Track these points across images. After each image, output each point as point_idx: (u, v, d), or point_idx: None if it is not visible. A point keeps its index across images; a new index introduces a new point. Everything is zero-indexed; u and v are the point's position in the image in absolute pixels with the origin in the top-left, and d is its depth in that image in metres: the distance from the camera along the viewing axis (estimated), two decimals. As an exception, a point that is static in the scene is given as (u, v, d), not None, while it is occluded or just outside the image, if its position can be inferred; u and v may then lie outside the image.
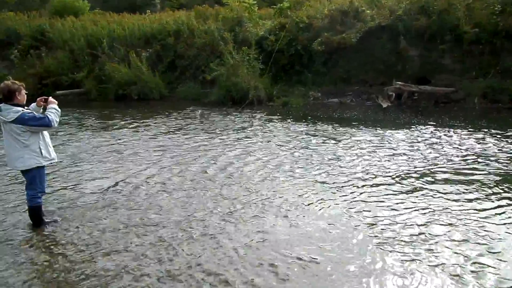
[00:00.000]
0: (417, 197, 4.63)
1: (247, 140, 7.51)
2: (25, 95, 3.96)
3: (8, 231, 4.04)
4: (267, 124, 8.95)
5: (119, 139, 7.95)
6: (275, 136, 7.83)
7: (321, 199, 4.64)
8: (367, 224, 3.99)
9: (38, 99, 4.11)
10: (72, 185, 5.35)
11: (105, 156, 6.72)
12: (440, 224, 3.94)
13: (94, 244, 3.75)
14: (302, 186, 5.04)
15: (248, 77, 11.82)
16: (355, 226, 3.97)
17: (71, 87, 14.05)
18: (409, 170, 5.54)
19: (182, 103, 12.25)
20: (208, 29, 13.72)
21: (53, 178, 5.60)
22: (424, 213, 4.19)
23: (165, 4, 31.60)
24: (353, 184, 5.10)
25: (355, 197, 4.67)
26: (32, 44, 14.91)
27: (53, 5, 22.01)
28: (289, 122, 9.10)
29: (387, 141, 7.14)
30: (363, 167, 5.72)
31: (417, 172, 5.47)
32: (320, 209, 4.37)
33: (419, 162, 5.90)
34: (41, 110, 4.12)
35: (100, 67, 13.76)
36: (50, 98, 4.11)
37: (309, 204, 4.50)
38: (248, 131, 8.31)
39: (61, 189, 5.21)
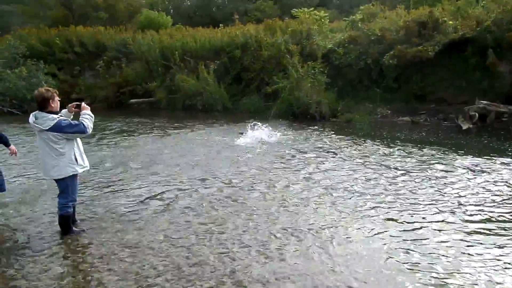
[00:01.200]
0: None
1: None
2: (59, 102, 3.99)
3: (38, 238, 4.15)
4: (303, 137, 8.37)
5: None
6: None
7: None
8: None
9: (69, 105, 4.08)
10: (112, 193, 5.42)
11: (150, 165, 6.79)
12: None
13: (110, 260, 3.64)
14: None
15: (311, 91, 11.34)
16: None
17: (145, 96, 14.93)
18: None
19: (243, 116, 12.17)
20: (275, 41, 13.58)
21: (93, 185, 5.75)
22: None
23: (243, 19, 32.67)
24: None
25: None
26: (115, 55, 16.22)
27: (140, 20, 24.00)
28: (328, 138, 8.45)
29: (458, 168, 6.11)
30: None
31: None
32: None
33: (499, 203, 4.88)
34: (72, 116, 4.14)
35: (171, 78, 14.40)
36: (83, 104, 4.10)
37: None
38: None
39: (99, 196, 5.31)
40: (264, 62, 13.52)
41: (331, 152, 7.44)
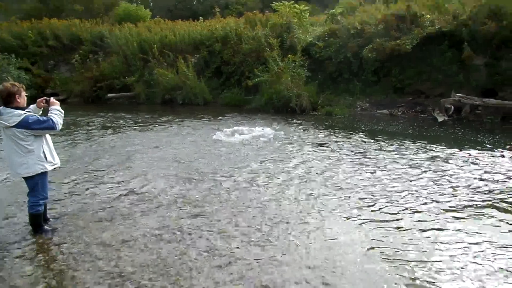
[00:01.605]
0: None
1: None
2: (25, 97, 3.82)
3: (8, 237, 3.98)
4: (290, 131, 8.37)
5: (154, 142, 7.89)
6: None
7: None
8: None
9: (38, 100, 3.92)
10: (87, 191, 5.26)
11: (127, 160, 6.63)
12: None
13: (84, 259, 3.53)
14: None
15: (291, 85, 11.32)
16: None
17: (122, 90, 14.60)
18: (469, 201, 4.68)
19: (224, 109, 12.08)
20: (255, 35, 13.48)
21: (68, 181, 5.58)
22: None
23: (225, 13, 32.32)
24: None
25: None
26: (91, 49, 15.78)
27: (118, 13, 23.38)
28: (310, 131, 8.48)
29: (438, 160, 6.22)
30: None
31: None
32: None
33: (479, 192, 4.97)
34: (40, 111, 3.97)
35: (149, 72, 14.12)
36: (52, 99, 3.92)
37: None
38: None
39: (70, 194, 5.15)
40: (244, 56, 13.41)
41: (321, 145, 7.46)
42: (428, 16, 11.10)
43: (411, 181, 5.34)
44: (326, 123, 9.68)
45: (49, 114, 3.81)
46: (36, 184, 3.83)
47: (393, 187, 5.13)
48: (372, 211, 4.41)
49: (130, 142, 8.07)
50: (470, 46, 9.92)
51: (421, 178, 5.44)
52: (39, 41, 16.07)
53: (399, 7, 11.99)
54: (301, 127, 9.23)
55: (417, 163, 6.09)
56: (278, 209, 4.48)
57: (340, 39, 12.29)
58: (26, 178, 3.83)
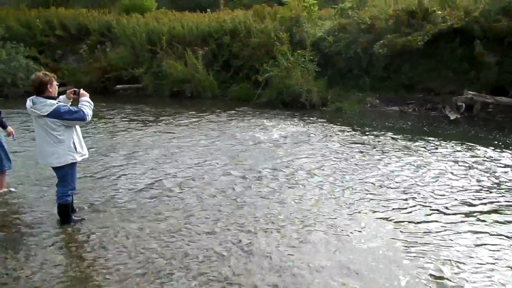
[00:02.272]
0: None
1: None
2: (57, 87, 3.87)
3: (35, 226, 4.04)
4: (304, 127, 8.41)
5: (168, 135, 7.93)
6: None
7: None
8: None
9: (67, 91, 3.95)
10: (108, 183, 5.32)
11: (147, 154, 6.68)
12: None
13: (114, 248, 3.60)
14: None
15: (301, 80, 11.33)
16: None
17: (130, 81, 14.58)
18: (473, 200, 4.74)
19: (234, 103, 12.07)
20: (264, 28, 13.44)
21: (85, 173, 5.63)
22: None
23: (229, 5, 32.12)
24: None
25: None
26: (99, 39, 15.72)
27: (123, 3, 23.24)
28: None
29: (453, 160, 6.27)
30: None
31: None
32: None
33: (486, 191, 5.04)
34: (70, 102, 4.01)
35: (158, 64, 14.09)
36: (82, 91, 3.96)
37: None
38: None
39: (96, 184, 5.21)
40: (253, 49, 13.38)
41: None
42: (439, 12, 11.06)
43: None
44: (344, 119, 9.66)
45: (79, 105, 3.85)
46: (66, 174, 3.89)
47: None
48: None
49: (167, 136, 8.00)
50: (482, 43, 9.92)
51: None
52: (47, 30, 15.99)
53: (410, 1, 11.95)
54: (322, 122, 9.23)
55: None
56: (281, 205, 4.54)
57: (350, 34, 12.26)
58: (56, 168, 3.88)
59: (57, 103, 3.71)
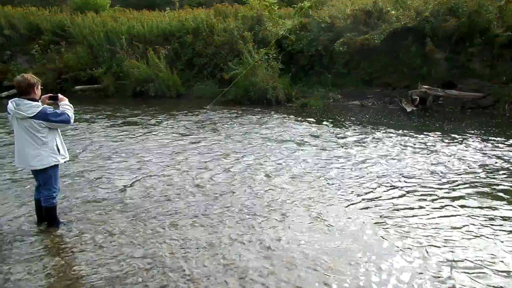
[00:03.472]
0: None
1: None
2: (40, 91, 3.79)
3: (22, 231, 3.91)
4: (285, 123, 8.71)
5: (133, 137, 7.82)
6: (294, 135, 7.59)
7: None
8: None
9: (43, 96, 3.84)
10: (86, 184, 5.21)
11: (121, 155, 6.58)
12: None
13: (109, 247, 3.58)
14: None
15: (267, 77, 11.58)
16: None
17: (89, 82, 14.06)
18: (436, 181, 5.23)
19: (199, 102, 12.08)
20: (227, 27, 13.54)
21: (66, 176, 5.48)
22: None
23: (183, 2, 31.69)
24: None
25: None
26: (52, 39, 14.98)
27: (75, 1, 22.22)
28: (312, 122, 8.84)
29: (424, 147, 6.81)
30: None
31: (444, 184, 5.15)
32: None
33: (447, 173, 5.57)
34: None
35: (118, 64, 13.71)
36: (60, 95, 3.91)
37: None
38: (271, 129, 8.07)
39: (76, 185, 5.08)
40: (217, 48, 13.45)
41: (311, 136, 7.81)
42: (393, 12, 11.80)
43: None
44: (305, 113, 10.06)
45: (61, 109, 3.78)
46: (50, 177, 3.80)
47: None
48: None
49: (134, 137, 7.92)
50: (432, 41, 10.72)
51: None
52: (-8, 30, 14.97)
53: (366, 2, 12.62)
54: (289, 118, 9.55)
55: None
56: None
57: (311, 32, 12.71)
58: (38, 172, 3.77)
59: (42, 105, 3.64)
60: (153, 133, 8.18)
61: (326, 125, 8.72)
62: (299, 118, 9.42)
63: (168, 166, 5.90)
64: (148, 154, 6.54)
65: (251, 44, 12.33)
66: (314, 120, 9.23)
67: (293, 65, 12.62)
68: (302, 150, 6.71)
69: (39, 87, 3.72)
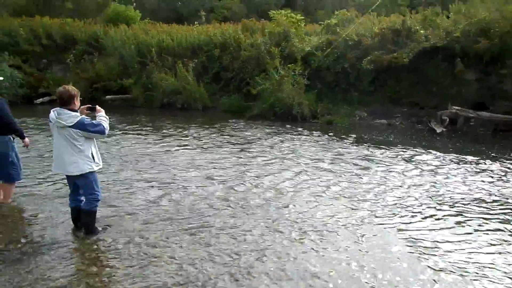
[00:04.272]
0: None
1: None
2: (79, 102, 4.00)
3: (59, 237, 4.05)
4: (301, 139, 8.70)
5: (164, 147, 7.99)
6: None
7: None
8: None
9: (82, 107, 4.03)
10: (117, 193, 5.35)
11: (147, 165, 6.73)
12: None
13: (142, 257, 3.67)
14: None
15: (292, 93, 11.66)
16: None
17: (119, 92, 14.50)
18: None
19: (224, 115, 12.25)
20: (254, 42, 13.77)
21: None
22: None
23: (210, 17, 32.47)
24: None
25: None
26: (86, 49, 15.58)
27: (107, 13, 23.10)
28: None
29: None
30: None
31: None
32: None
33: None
34: None
35: (147, 75, 14.11)
36: (98, 107, 4.09)
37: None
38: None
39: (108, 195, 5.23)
40: (243, 62, 13.66)
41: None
42: (422, 31, 11.74)
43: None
44: (330, 129, 10.03)
45: (97, 120, 3.95)
46: (91, 182, 3.97)
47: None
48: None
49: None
50: (462, 62, 10.59)
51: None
52: (31, 39, 15.70)
53: (394, 21, 12.61)
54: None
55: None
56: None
57: (337, 49, 12.76)
58: (77, 178, 3.94)
59: (80, 116, 3.85)
60: (185, 145, 8.34)
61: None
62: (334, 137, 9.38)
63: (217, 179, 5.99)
64: (186, 167, 6.65)
65: (278, 59, 12.48)
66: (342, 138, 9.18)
67: (318, 81, 12.66)
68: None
69: (79, 98, 3.93)
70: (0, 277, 3.31)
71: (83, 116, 3.90)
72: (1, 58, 13.63)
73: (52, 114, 3.83)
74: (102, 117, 4.02)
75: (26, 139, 4.85)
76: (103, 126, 3.91)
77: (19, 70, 14.36)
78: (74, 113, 3.83)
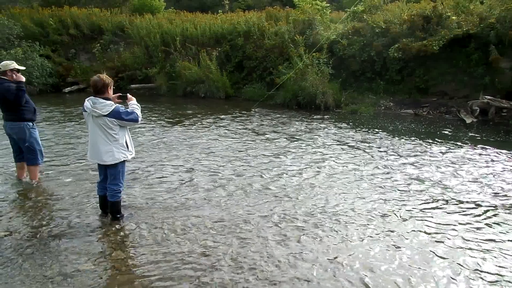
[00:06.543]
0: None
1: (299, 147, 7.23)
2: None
3: (85, 223, 4.17)
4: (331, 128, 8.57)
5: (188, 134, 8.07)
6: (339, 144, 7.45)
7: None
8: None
9: (113, 96, 4.04)
10: (144, 180, 5.46)
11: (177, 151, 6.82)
12: None
13: (167, 243, 3.73)
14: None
15: (316, 82, 11.47)
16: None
17: (144, 81, 14.72)
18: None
19: (246, 104, 12.22)
20: (278, 31, 13.59)
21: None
22: None
23: (233, 5, 32.25)
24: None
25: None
26: (112, 39, 15.85)
27: (133, 3, 23.37)
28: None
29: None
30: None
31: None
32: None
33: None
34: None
35: (171, 64, 14.23)
36: (129, 95, 4.12)
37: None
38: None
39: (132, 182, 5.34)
40: (266, 51, 13.54)
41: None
42: (454, 17, 11.23)
43: None
44: (355, 120, 9.85)
45: (130, 108, 3.99)
46: (119, 172, 4.03)
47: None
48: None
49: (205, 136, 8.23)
50: (497, 49, 10.08)
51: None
52: (60, 29, 16.11)
53: (424, 7, 12.12)
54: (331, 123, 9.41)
55: None
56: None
57: (364, 37, 12.42)
58: (109, 166, 4.00)
59: (115, 104, 3.86)
60: (212, 132, 8.40)
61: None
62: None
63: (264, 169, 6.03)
64: (220, 155, 6.72)
65: (302, 48, 12.28)
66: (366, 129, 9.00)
67: (343, 70, 12.39)
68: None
69: (112, 87, 3.95)
70: (30, 260, 3.45)
71: (118, 104, 3.92)
72: (32, 48, 14.04)
73: (87, 103, 3.85)
74: (135, 105, 4.04)
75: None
76: (137, 114, 3.94)
77: (48, 60, 14.78)
78: (109, 102, 3.83)
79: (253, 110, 11.26)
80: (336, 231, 4.02)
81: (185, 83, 13.85)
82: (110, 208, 4.11)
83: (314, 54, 11.96)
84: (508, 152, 7.00)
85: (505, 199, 4.92)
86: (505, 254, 3.64)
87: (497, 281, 3.25)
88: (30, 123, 5.08)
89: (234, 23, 14.77)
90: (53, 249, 3.63)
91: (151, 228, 4.04)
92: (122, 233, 3.93)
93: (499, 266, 3.45)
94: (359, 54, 12.17)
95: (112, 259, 3.51)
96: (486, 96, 9.64)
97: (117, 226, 4.07)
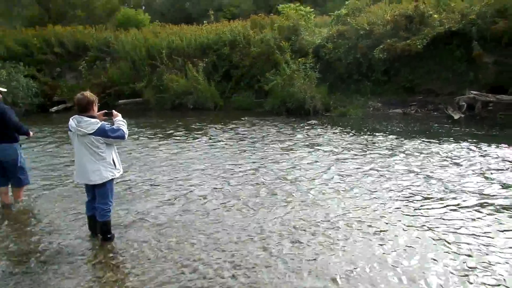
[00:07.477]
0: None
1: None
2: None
3: (74, 245, 4.07)
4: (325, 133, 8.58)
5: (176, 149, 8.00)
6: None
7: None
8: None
9: (98, 113, 3.96)
10: (138, 197, 5.37)
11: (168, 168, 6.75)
12: None
13: (163, 261, 3.65)
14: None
15: (304, 87, 11.51)
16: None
17: (131, 96, 14.63)
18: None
19: (236, 113, 12.19)
20: (264, 38, 13.66)
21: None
22: None
23: (218, 15, 32.40)
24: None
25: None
26: (98, 55, 15.77)
27: (118, 18, 23.39)
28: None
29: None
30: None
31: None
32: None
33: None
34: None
35: (158, 77, 14.18)
36: (114, 111, 4.05)
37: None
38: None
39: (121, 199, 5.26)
40: (253, 59, 13.58)
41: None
42: (436, 16, 11.39)
43: None
44: (342, 123, 9.88)
45: (116, 125, 3.92)
46: (107, 190, 3.93)
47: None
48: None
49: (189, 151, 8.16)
50: (479, 45, 10.23)
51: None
52: (44, 48, 15.98)
53: (406, 7, 12.28)
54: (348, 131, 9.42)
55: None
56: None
57: (348, 40, 12.53)
58: (98, 186, 3.91)
59: (100, 122, 3.79)
60: (195, 144, 8.34)
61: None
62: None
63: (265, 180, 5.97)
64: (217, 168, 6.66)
65: (289, 54, 12.34)
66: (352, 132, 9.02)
67: (330, 73, 12.48)
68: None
69: (97, 104, 3.89)
70: (19, 287, 3.34)
71: (103, 122, 3.85)
72: (16, 69, 13.90)
73: (72, 122, 3.77)
74: (120, 122, 3.97)
75: (30, 132, 5.17)
76: (123, 131, 3.87)
77: (34, 80, 14.64)
78: (94, 120, 3.76)
79: (243, 119, 11.24)
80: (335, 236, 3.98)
81: (173, 96, 13.79)
82: (101, 228, 4.01)
83: (300, 59, 12.02)
84: (497, 144, 7.06)
85: (495, 193, 4.93)
86: (496, 249, 3.64)
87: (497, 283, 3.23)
88: (18, 144, 5.03)
89: (219, 33, 14.81)
90: (42, 275, 3.52)
91: (142, 246, 3.95)
92: (111, 254, 3.83)
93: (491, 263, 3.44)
94: (344, 57, 12.28)
95: (104, 281, 3.41)
96: (472, 91, 9.74)
97: (108, 247, 3.98)
